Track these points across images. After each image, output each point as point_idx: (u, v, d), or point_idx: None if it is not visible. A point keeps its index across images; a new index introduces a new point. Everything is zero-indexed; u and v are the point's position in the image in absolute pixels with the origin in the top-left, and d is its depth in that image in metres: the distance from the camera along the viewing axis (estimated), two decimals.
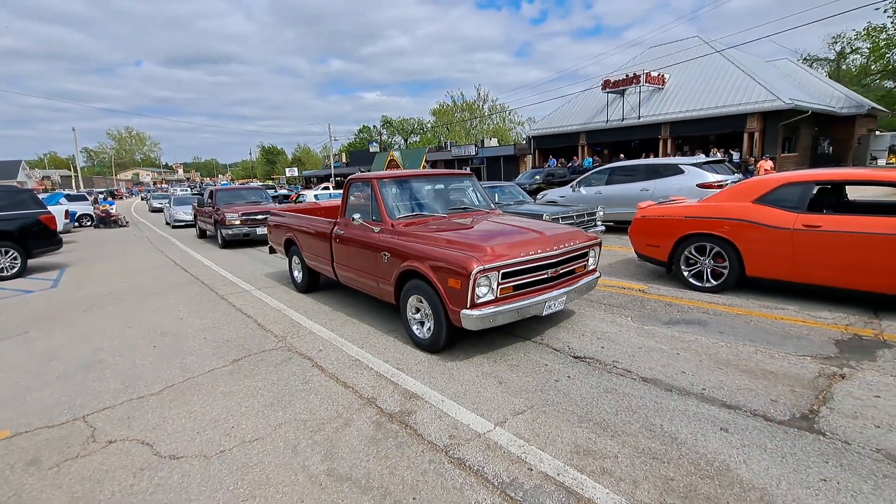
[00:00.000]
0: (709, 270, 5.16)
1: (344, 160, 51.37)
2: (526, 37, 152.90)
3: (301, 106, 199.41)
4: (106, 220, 19.49)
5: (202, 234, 13.66)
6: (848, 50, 36.07)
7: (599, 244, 4.40)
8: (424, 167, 40.13)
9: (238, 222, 11.10)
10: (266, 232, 10.69)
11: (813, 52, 44.87)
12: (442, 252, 3.66)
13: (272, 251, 7.30)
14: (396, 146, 67.23)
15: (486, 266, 3.38)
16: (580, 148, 27.91)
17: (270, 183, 50.99)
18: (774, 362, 3.38)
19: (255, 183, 51.23)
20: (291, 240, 6.23)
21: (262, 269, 8.19)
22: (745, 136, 21.17)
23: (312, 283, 6.14)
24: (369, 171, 40.49)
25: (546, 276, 3.81)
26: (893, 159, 21.96)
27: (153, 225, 19.42)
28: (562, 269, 3.94)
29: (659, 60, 26.03)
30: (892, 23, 27.72)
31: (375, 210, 4.62)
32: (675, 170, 9.22)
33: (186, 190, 39.97)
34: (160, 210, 25.79)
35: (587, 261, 4.28)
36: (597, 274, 4.40)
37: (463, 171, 5.44)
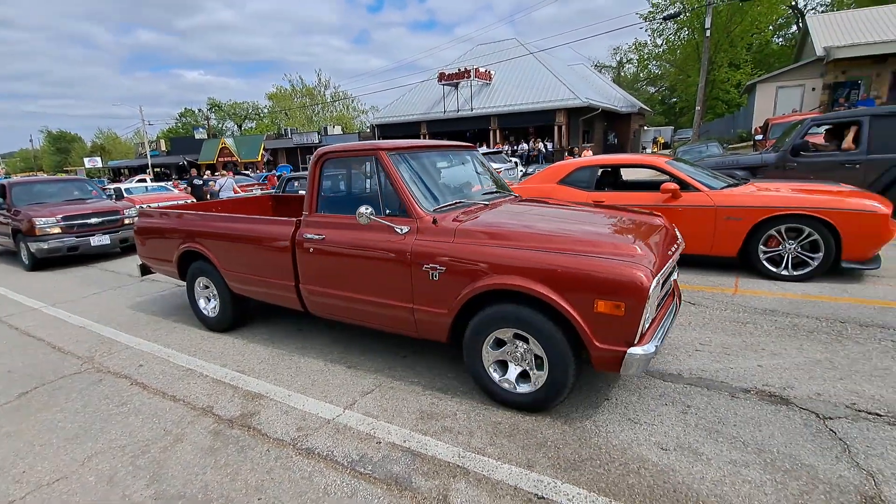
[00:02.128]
0: None
1: (164, 148, 44.15)
2: (363, 24, 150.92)
3: (99, 83, 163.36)
4: None
5: None
6: (625, 60, 44.50)
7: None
8: (263, 157, 36.99)
9: (58, 230, 7.53)
10: (115, 241, 7.93)
11: (601, 60, 54.16)
12: (574, 259, 2.30)
13: (145, 271, 4.92)
14: (229, 132, 60.42)
15: (657, 276, 2.26)
16: (422, 137, 29.02)
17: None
18: None
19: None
20: (197, 253, 4.12)
21: (125, 300, 5.85)
22: (555, 128, 24.66)
23: (238, 315, 4.13)
24: (197, 160, 35.70)
25: (669, 286, 2.87)
26: (656, 148, 28.14)
27: None
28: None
29: (485, 57, 28.42)
30: (650, 40, 34.97)
31: (392, 200, 2.96)
32: None
33: None
34: None
35: None
36: None
37: (467, 144, 3.91)
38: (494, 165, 10.85)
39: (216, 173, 24.65)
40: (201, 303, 4.30)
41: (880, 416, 2.37)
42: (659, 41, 33.70)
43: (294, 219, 3.46)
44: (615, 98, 31.67)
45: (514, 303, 2.47)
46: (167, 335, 4.21)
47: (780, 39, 33.41)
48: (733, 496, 1.92)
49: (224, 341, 3.98)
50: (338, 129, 42.14)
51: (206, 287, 4.23)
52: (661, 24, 30.16)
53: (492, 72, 27.70)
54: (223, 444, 2.50)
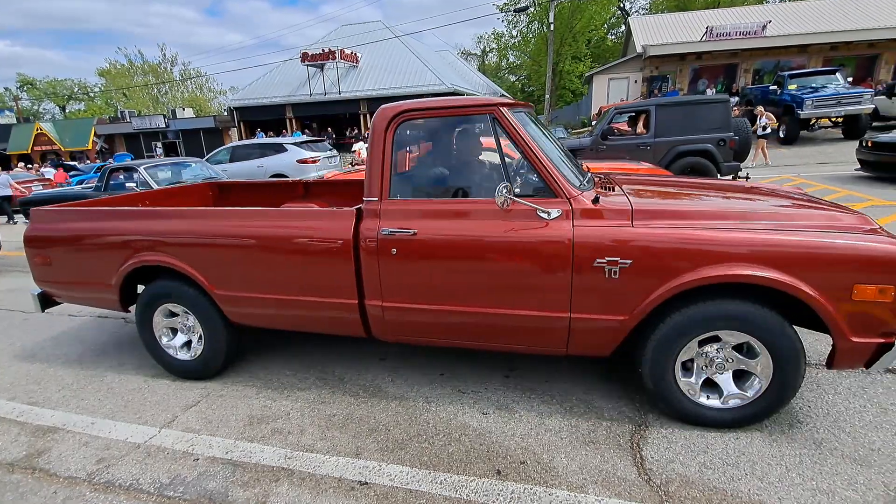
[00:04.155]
0: None
1: None
2: None
3: None
4: None
5: None
6: (487, 49, 46.86)
7: None
8: (95, 144, 31.22)
9: None
10: None
11: (467, 48, 56.30)
12: (821, 238, 1.88)
13: (48, 303, 3.32)
14: (48, 115, 49.70)
15: None
16: (288, 121, 27.19)
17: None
18: None
19: None
20: (162, 270, 2.86)
21: None
22: None
23: (234, 352, 2.99)
24: (5, 150, 28.81)
25: None
26: None
27: None
28: None
29: (351, 39, 27.55)
30: (507, 31, 37.26)
31: (520, 174, 2.32)
32: (281, 148, 11.05)
33: None
34: None
35: None
36: None
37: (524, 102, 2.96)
38: (311, 154, 10.92)
39: (30, 166, 20.10)
40: (167, 341, 2.98)
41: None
42: (514, 32, 36.03)
43: (348, 208, 2.46)
44: (480, 85, 33.16)
45: (721, 298, 2.00)
46: None
47: (613, 36, 38.11)
48: (536, 445, 2.16)
49: (17, 369, 3.28)
50: (189, 112, 37.36)
51: (173, 316, 2.95)
52: (514, 15, 32.24)
53: (358, 54, 26.93)
54: None
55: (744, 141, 8.63)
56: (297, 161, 10.84)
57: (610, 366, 2.79)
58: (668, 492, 1.83)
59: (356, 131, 25.72)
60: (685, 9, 29.67)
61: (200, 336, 2.87)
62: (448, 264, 2.25)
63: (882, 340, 1.88)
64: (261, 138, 21.91)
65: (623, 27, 35.15)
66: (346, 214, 2.42)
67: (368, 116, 25.89)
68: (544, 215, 2.13)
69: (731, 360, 2.12)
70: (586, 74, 28.07)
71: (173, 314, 2.95)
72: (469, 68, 37.70)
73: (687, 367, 2.18)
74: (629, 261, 2.00)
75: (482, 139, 2.65)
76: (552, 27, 21.56)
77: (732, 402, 2.13)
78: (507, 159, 2.23)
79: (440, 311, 2.32)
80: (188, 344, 2.97)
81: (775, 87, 14.39)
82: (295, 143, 11.32)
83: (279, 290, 2.57)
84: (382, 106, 2.43)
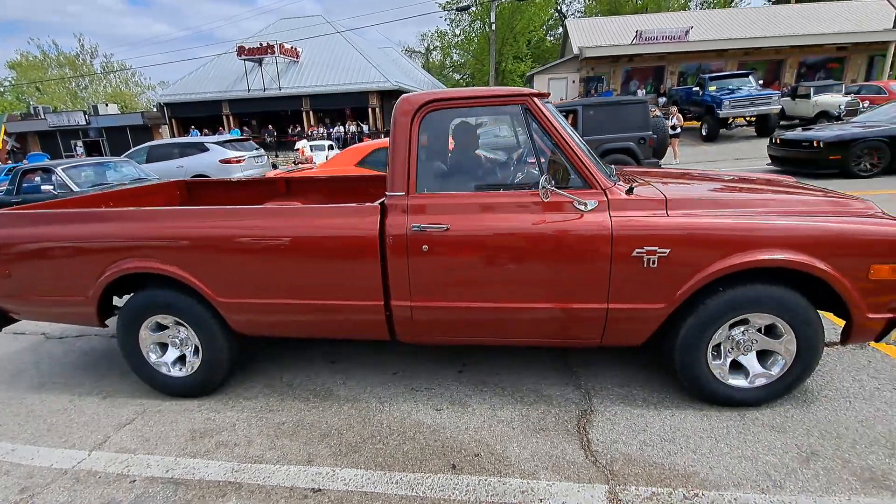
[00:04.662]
0: None
1: None
2: None
3: None
4: None
5: None
6: (431, 47, 46.94)
7: None
8: (5, 143, 28.00)
9: None
10: None
11: (411, 45, 56.15)
12: (837, 223, 2.03)
13: (3, 321, 2.92)
14: None
15: None
16: (225, 118, 25.85)
17: None
18: None
19: None
20: (150, 278, 2.59)
21: None
22: (370, 111, 24.71)
23: (232, 366, 2.74)
24: None
25: None
26: None
27: None
28: None
29: (290, 33, 26.54)
30: (450, 29, 37.50)
31: (562, 164, 2.12)
32: (202, 148, 10.67)
33: None
34: None
35: None
36: None
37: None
38: (235, 154, 10.52)
39: None
40: (156, 358, 2.67)
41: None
42: (457, 31, 36.32)
43: (370, 204, 2.32)
44: (425, 83, 33.14)
45: (752, 283, 2.08)
46: None
47: (552, 38, 39.41)
48: (490, 437, 2.21)
49: None
50: (114, 108, 34.46)
51: (162, 329, 2.65)
52: (457, 14, 32.51)
53: (299, 49, 26.05)
54: None
55: (662, 139, 9.44)
56: (220, 161, 10.36)
57: (556, 353, 2.90)
58: (613, 470, 1.94)
59: (299, 129, 24.90)
60: (616, 12, 31.24)
61: (196, 349, 2.62)
62: (482, 260, 2.19)
63: (892, 316, 2.05)
64: (195, 136, 20.74)
65: (560, 29, 36.43)
66: (369, 210, 2.28)
67: (312, 113, 25.18)
68: (581, 207, 2.12)
69: (756, 342, 2.21)
70: (527, 74, 28.84)
71: (162, 327, 2.65)
72: (414, 66, 37.57)
73: (716, 351, 2.23)
74: (667, 250, 2.03)
75: (504, 129, 2.60)
76: (493, 27, 21.94)
77: (758, 381, 2.23)
78: (539, 150, 2.22)
79: (474, 309, 2.26)
80: (181, 359, 2.69)
81: (698, 88, 15.54)
82: (217, 143, 10.86)
83: (293, 294, 2.38)
84: (404, 95, 2.34)
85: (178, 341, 2.65)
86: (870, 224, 2.02)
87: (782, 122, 14.92)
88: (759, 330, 2.20)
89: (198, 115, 25.82)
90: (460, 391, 2.60)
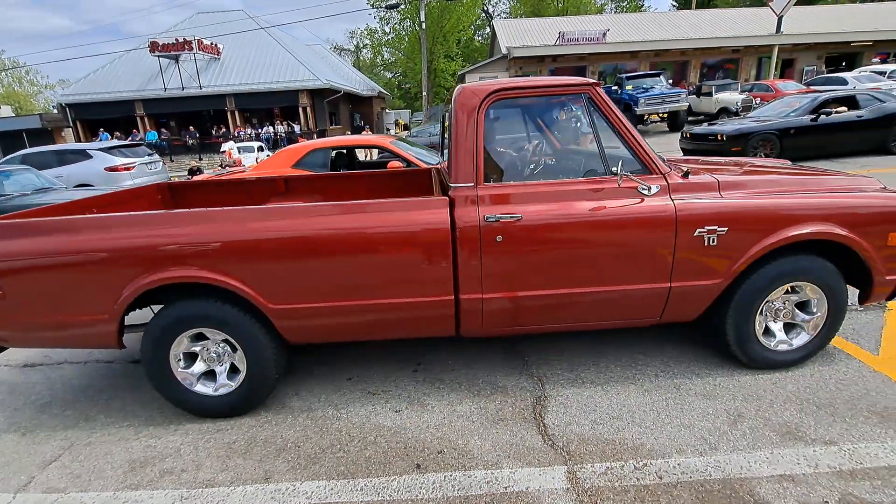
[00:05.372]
0: None
1: None
2: None
3: None
4: None
5: None
6: (361, 45, 46.19)
7: None
8: None
9: None
10: None
11: (340, 43, 54.82)
12: (859, 198, 2.30)
13: None
14: None
15: None
16: (139, 119, 23.77)
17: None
18: None
19: None
20: (184, 289, 2.33)
21: None
22: (300, 110, 23.86)
23: (278, 379, 2.58)
24: None
25: None
26: (399, 130, 30.65)
27: None
28: None
29: (209, 28, 24.96)
30: (379, 27, 37.17)
31: (615, 153, 2.27)
32: (85, 154, 10.02)
33: None
34: None
35: None
36: None
37: None
38: (124, 161, 9.91)
39: None
40: (188, 376, 2.39)
41: (544, 336, 3.15)
42: (387, 29, 36.03)
43: (438, 197, 2.26)
44: (356, 81, 32.51)
45: (794, 255, 2.31)
46: None
47: (480, 38, 40.24)
48: (451, 433, 2.24)
49: None
50: (7, 110, 30.48)
51: (197, 343, 2.38)
52: (386, 12, 32.21)
53: (219, 45, 24.52)
54: None
55: None
56: (106, 169, 9.68)
57: (507, 344, 3.00)
58: (570, 451, 2.05)
59: (224, 130, 23.47)
60: (540, 14, 32.54)
61: (232, 365, 2.42)
62: (556, 247, 2.22)
63: None
64: (105, 140, 18.95)
65: (488, 29, 37.25)
66: (439, 203, 2.22)
67: (237, 113, 23.85)
68: (645, 191, 2.22)
69: (798, 308, 2.47)
70: (459, 73, 29.23)
71: (197, 344, 2.39)
72: (344, 64, 36.74)
73: (762, 318, 2.45)
74: (725, 228, 2.19)
75: (565, 117, 2.68)
76: (424, 25, 22.00)
77: (797, 343, 2.48)
78: (600, 138, 2.25)
79: (546, 297, 2.28)
80: (210, 374, 2.44)
81: (616, 87, 16.62)
82: (102, 149, 10.11)
83: (357, 294, 2.25)
84: (466, 86, 2.32)
85: (213, 356, 2.41)
86: (885, 198, 2.30)
87: (689, 118, 16.35)
88: (798, 296, 2.46)
89: (108, 117, 23.51)
90: (418, 390, 2.61)
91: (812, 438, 2.02)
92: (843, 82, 14.53)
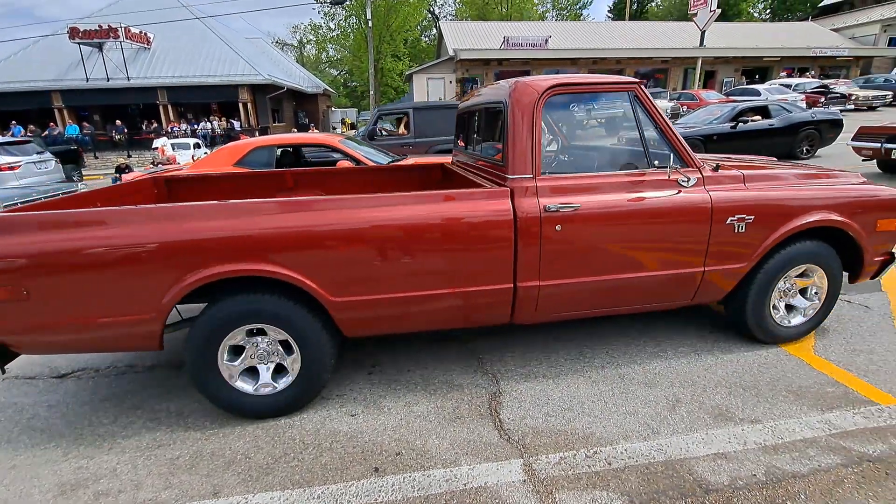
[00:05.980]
0: None
1: None
2: None
3: None
4: None
5: None
6: (304, 40, 44.83)
7: None
8: None
9: None
10: None
11: (282, 37, 52.86)
12: (855, 190, 2.66)
13: (5, 357, 2.15)
14: None
15: None
16: (57, 111, 21.67)
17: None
18: None
19: None
20: (242, 280, 2.15)
21: None
22: (240, 105, 22.78)
23: (329, 377, 2.44)
24: None
25: None
26: (345, 128, 30.03)
27: None
28: None
29: (137, 16, 23.17)
30: (324, 23, 36.30)
31: (655, 146, 2.47)
32: None
33: None
34: None
35: None
36: None
37: None
38: (7, 159, 9.07)
39: None
40: (238, 375, 2.28)
41: (496, 333, 3.22)
42: (332, 25, 35.22)
43: (500, 188, 2.32)
44: (300, 77, 31.51)
45: (800, 241, 2.61)
46: None
47: (427, 39, 40.34)
48: (408, 434, 2.23)
49: None
50: None
51: (248, 341, 2.26)
52: (331, 7, 31.46)
53: (149, 34, 22.86)
54: None
55: None
56: None
57: (462, 342, 3.04)
58: (525, 444, 2.11)
59: (155, 125, 21.93)
60: (485, 18, 33.14)
61: (278, 365, 2.34)
62: (612, 235, 2.36)
63: (885, 258, 2.76)
64: (18, 134, 17.14)
65: (435, 30, 37.44)
66: (502, 193, 2.29)
67: (170, 108, 22.35)
68: (684, 182, 2.44)
69: (801, 288, 2.78)
70: (406, 73, 29.15)
71: (247, 342, 2.27)
72: (287, 59, 35.49)
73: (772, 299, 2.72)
74: (752, 216, 2.45)
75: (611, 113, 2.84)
76: (370, 23, 21.73)
77: (798, 320, 2.80)
78: (643, 133, 2.44)
79: (600, 282, 2.42)
80: (251, 371, 2.34)
81: None
82: None
83: (419, 285, 2.26)
84: (523, 80, 2.45)
85: (262, 354, 2.30)
86: (874, 190, 2.66)
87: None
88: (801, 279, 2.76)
89: (19, 109, 21.21)
90: (374, 392, 2.58)
91: (740, 418, 2.22)
92: (757, 93, 16.03)
